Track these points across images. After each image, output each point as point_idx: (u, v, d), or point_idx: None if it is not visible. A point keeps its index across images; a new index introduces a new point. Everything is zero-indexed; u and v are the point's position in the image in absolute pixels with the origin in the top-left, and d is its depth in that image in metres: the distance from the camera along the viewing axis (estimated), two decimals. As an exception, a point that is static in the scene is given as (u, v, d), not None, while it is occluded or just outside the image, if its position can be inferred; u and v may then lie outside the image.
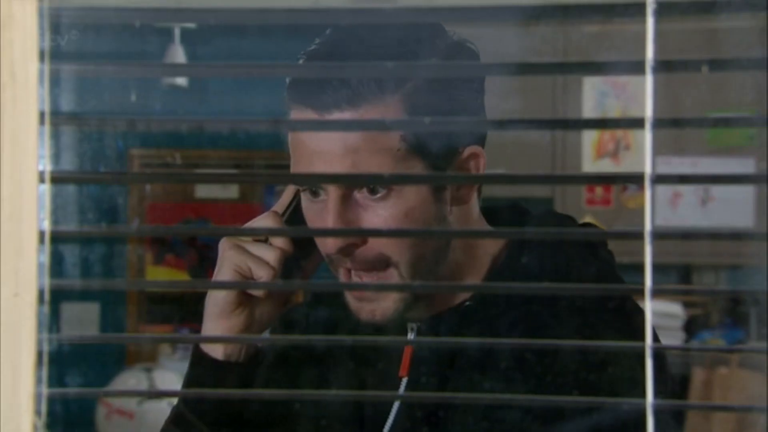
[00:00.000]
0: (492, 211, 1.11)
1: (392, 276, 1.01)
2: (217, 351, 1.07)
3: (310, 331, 1.16)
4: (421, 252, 1.02)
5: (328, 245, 1.01)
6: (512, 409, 0.97)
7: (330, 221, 0.99)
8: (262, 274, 1.03)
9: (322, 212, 1.01)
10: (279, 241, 1.05)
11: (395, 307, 1.02)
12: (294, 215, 1.07)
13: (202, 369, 1.07)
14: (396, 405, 1.06)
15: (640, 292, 0.66)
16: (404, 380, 1.06)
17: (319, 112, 0.98)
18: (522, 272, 1.04)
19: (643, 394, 0.65)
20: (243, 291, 1.05)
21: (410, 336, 1.07)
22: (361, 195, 0.99)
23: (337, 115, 0.98)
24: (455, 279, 1.05)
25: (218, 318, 1.05)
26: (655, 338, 0.99)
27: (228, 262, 1.04)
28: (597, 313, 1.01)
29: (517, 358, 0.99)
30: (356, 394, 1.07)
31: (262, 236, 1.07)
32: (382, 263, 1.01)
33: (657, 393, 0.64)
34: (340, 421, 1.08)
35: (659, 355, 1.01)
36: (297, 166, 1.01)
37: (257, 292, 1.05)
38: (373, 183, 0.99)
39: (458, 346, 1.04)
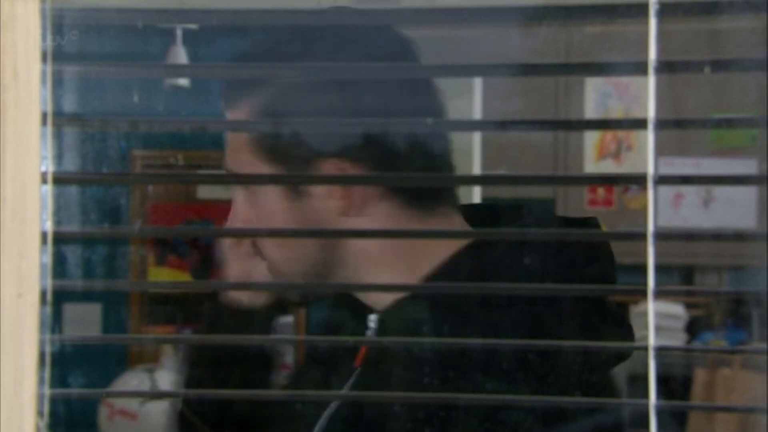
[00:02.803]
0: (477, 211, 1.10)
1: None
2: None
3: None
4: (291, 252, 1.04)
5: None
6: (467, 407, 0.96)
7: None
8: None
9: None
10: None
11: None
12: None
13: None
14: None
15: (643, 293, 0.66)
16: (357, 371, 1.06)
17: (225, 108, 1.05)
18: (478, 259, 1.01)
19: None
20: None
21: (371, 326, 1.06)
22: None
23: (227, 114, 1.04)
24: (355, 269, 1.05)
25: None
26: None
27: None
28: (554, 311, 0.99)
29: (475, 350, 0.98)
30: (357, 394, 1.07)
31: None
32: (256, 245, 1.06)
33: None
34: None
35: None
36: None
37: None
38: (370, 183, 0.99)
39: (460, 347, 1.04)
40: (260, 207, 1.03)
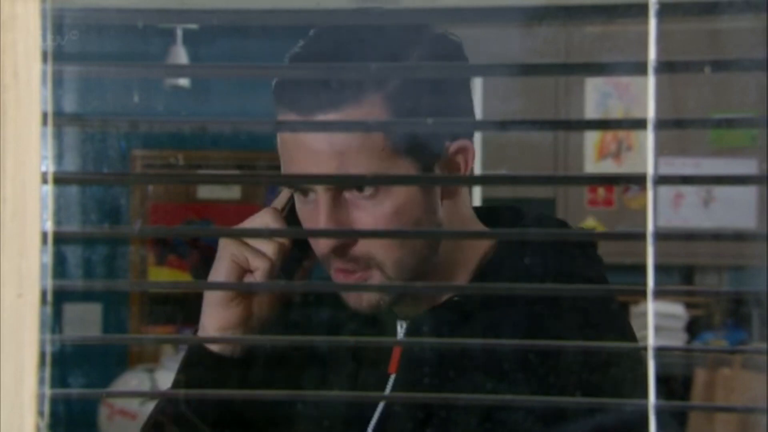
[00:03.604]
0: (489, 213, 1.11)
1: (375, 275, 1.01)
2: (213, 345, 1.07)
3: (309, 326, 1.15)
4: (409, 251, 1.01)
5: (320, 246, 1.01)
6: (501, 408, 0.96)
7: (321, 221, 0.99)
8: (258, 265, 1.04)
9: (313, 212, 1.00)
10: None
11: (379, 297, 1.02)
12: (291, 213, 1.07)
13: (199, 362, 1.07)
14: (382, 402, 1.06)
15: (643, 293, 0.66)
16: (392, 377, 1.06)
17: (302, 114, 0.98)
18: (511, 271, 1.04)
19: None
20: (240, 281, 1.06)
21: (400, 333, 1.07)
22: (350, 194, 0.99)
23: (320, 117, 0.97)
24: (442, 276, 1.05)
25: (216, 306, 1.06)
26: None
27: (226, 252, 1.05)
28: (590, 313, 1.00)
29: (507, 355, 0.99)
30: (358, 394, 1.07)
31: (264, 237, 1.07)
32: (368, 262, 1.00)
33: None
34: (326, 415, 1.08)
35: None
36: (287, 167, 1.01)
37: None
38: (367, 184, 0.99)
39: (455, 346, 1.04)
40: (394, 204, 0.99)
